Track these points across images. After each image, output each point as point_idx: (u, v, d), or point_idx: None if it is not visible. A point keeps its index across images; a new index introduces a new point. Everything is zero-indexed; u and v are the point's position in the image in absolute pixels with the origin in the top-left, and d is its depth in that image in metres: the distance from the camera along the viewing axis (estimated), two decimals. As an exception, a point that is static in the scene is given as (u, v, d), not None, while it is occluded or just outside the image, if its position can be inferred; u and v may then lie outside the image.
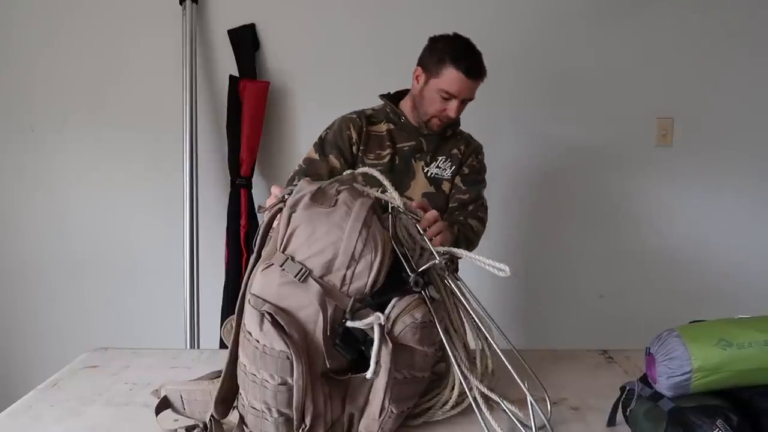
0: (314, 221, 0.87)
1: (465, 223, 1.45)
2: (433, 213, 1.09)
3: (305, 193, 0.90)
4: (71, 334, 2.35)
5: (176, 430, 0.94)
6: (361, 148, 1.50)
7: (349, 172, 1.03)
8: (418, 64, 1.51)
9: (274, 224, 0.93)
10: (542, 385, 0.98)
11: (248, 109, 2.16)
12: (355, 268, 0.85)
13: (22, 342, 2.40)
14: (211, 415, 0.90)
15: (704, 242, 2.28)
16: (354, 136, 1.51)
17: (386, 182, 0.97)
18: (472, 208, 1.51)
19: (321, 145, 1.54)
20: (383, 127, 1.54)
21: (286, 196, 0.92)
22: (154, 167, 2.27)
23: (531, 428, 0.90)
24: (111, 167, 2.29)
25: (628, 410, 0.93)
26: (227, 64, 2.22)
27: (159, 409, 0.96)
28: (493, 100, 2.19)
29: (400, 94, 1.59)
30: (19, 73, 2.27)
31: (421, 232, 0.96)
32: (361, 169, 1.02)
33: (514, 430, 0.92)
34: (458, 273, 1.60)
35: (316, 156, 1.53)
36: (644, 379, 0.93)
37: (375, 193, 0.95)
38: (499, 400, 0.93)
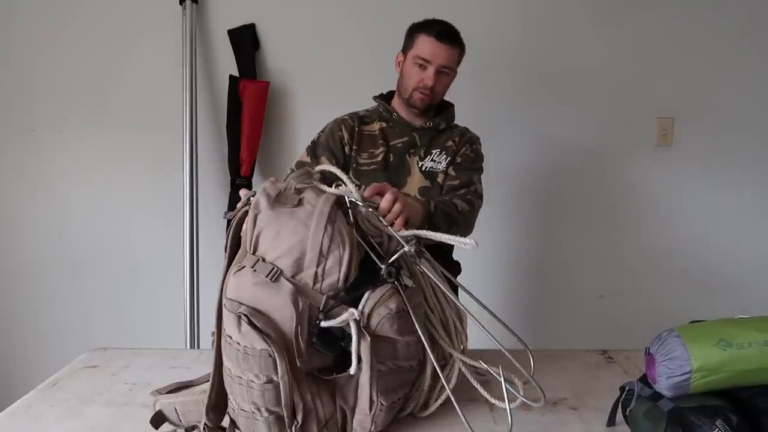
0: (279, 221, 0.87)
1: (447, 201, 1.38)
2: (387, 198, 1.03)
3: (268, 193, 0.90)
4: (71, 334, 2.35)
5: (175, 430, 0.94)
6: (354, 148, 1.51)
7: (305, 167, 1.01)
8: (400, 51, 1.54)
9: (244, 227, 0.93)
10: (521, 340, 0.97)
11: (248, 109, 2.16)
12: (325, 265, 0.85)
13: (22, 342, 2.40)
14: (205, 424, 0.90)
15: (704, 242, 2.28)
16: (345, 136, 1.51)
17: (342, 175, 0.96)
18: (462, 192, 1.45)
19: (313, 148, 1.54)
20: (376, 127, 1.54)
21: (251, 198, 0.92)
22: (154, 167, 2.27)
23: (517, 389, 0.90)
24: (111, 167, 2.29)
25: (628, 410, 0.93)
26: (227, 64, 2.22)
27: (156, 424, 0.95)
28: (493, 100, 2.19)
29: (393, 94, 1.59)
30: (19, 73, 2.27)
31: (382, 220, 0.95)
32: (319, 166, 1.00)
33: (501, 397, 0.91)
34: (458, 263, 1.61)
35: (308, 159, 1.53)
36: (644, 379, 0.93)
37: (331, 189, 0.94)
38: (484, 366, 0.94)
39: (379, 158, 1.49)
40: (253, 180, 2.21)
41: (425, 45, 1.44)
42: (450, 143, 1.53)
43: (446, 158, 1.52)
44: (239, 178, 2.19)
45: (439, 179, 1.51)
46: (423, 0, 2.18)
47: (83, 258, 2.34)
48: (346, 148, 1.51)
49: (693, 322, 0.94)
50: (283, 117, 2.26)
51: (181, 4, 2.18)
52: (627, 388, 0.94)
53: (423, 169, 1.50)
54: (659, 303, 2.28)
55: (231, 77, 2.18)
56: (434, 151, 1.52)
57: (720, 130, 2.23)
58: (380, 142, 1.51)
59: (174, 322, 2.20)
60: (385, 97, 1.59)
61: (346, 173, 1.48)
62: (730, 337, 0.84)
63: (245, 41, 2.20)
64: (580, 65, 2.23)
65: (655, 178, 2.27)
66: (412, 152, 1.51)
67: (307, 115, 2.25)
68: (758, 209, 2.26)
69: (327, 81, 2.22)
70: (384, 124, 1.54)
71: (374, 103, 1.59)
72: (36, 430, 0.98)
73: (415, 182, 1.50)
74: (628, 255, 2.31)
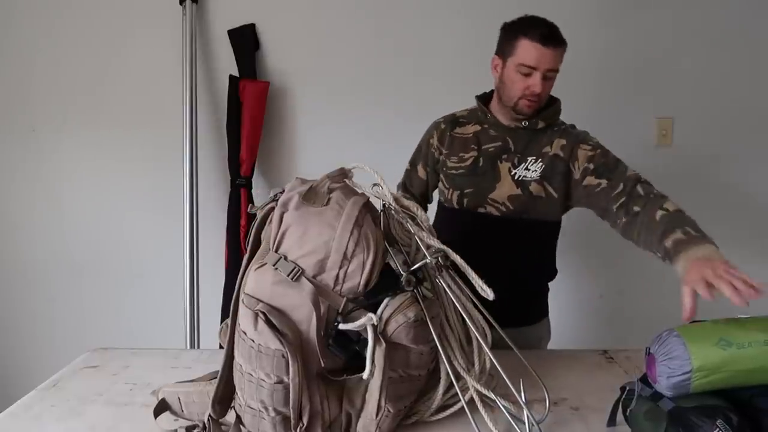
0: (306, 221, 0.87)
1: (684, 216, 1.20)
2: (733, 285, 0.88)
3: (297, 192, 0.90)
4: (71, 334, 2.35)
5: (176, 430, 0.94)
6: (444, 152, 1.48)
7: (341, 167, 1.01)
8: (494, 54, 1.44)
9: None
10: (542, 383, 0.98)
11: (248, 109, 2.16)
12: (347, 268, 0.85)
13: (22, 342, 2.40)
14: (209, 416, 0.90)
15: (704, 242, 2.28)
16: (435, 142, 1.50)
17: (379, 178, 0.96)
18: (643, 188, 1.30)
19: (414, 155, 1.57)
20: (470, 129, 1.48)
21: (278, 195, 0.92)
22: (154, 167, 2.27)
23: (525, 427, 0.90)
24: (111, 167, 2.29)
25: (629, 410, 0.93)
26: (227, 64, 2.22)
27: (157, 412, 0.96)
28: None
29: (493, 93, 1.51)
30: (19, 73, 2.26)
31: (413, 227, 0.95)
32: (353, 164, 1.01)
33: (509, 430, 0.92)
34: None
35: (409, 167, 1.58)
36: (644, 379, 0.93)
37: (368, 190, 0.95)
38: (494, 397, 0.93)
39: (468, 162, 1.44)
40: (253, 180, 2.21)
41: (529, 51, 1.33)
42: (547, 149, 1.42)
43: (541, 166, 1.41)
44: (239, 178, 2.19)
45: (532, 188, 1.41)
46: (423, 1, 2.20)
47: (83, 258, 2.34)
48: (436, 153, 1.50)
49: (693, 322, 0.94)
50: (283, 117, 2.26)
51: (181, 4, 2.18)
52: (627, 388, 0.94)
53: (515, 177, 1.42)
54: (659, 303, 2.27)
55: (231, 77, 2.18)
56: (529, 159, 1.42)
57: (720, 130, 2.23)
58: (472, 146, 1.45)
59: (174, 322, 2.20)
60: (485, 98, 1.51)
61: (437, 178, 1.49)
62: (730, 337, 0.84)
63: (245, 41, 2.20)
64: (579, 65, 2.21)
65: (655, 178, 2.26)
66: (505, 158, 1.43)
67: (307, 115, 2.25)
68: (759, 209, 2.26)
69: (327, 81, 2.22)
70: (479, 127, 1.47)
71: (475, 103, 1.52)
72: (36, 430, 0.98)
73: (504, 189, 1.42)
74: (629, 255, 2.29)
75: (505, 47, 1.39)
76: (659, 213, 1.20)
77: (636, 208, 1.25)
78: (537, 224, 1.47)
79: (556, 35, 1.36)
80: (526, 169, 1.41)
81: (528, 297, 1.56)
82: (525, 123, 1.42)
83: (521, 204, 1.42)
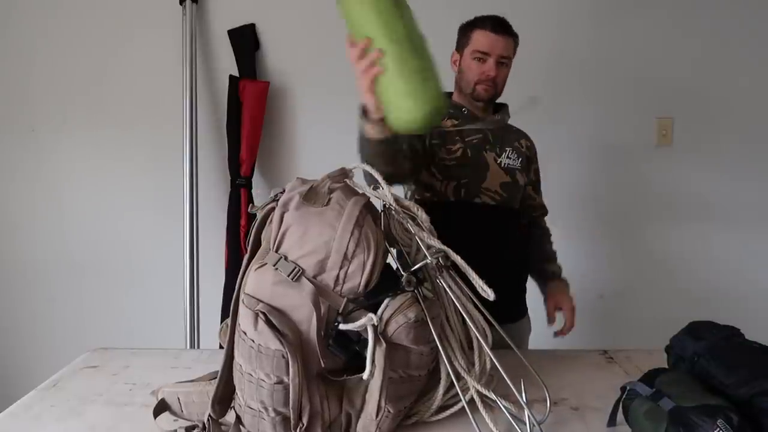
0: (306, 221, 0.87)
1: (552, 249, 1.69)
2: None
3: (297, 192, 0.90)
4: (71, 334, 2.35)
5: (176, 430, 0.94)
6: (434, 141, 1.47)
7: (341, 167, 1.00)
8: (454, 51, 1.54)
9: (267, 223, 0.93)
10: (543, 383, 0.98)
11: (248, 109, 2.16)
12: (348, 268, 0.84)
13: (22, 342, 2.40)
14: (209, 416, 0.90)
15: (704, 242, 2.28)
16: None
17: (380, 179, 0.96)
18: (541, 213, 1.69)
19: None
20: (448, 123, 1.51)
21: (278, 195, 0.92)
22: (154, 167, 2.27)
23: (526, 427, 0.90)
24: (111, 167, 2.29)
25: (629, 410, 0.93)
26: (227, 64, 2.22)
27: (157, 412, 0.96)
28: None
29: (450, 94, 1.56)
30: (19, 73, 2.27)
31: (413, 228, 0.95)
32: (353, 164, 1.00)
33: (510, 431, 0.92)
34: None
35: None
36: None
37: (367, 191, 0.95)
38: (495, 398, 0.93)
39: (458, 153, 1.47)
40: (253, 180, 2.21)
41: (482, 39, 1.46)
42: (517, 144, 1.55)
43: (519, 159, 1.53)
44: (239, 178, 2.19)
45: (518, 177, 1.51)
46: (422, 0, 2.20)
47: (83, 258, 2.34)
48: (427, 139, 1.48)
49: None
50: (283, 117, 2.26)
51: (181, 4, 2.18)
52: (628, 388, 0.94)
53: (501, 165, 1.49)
54: (659, 303, 2.28)
55: (231, 77, 2.18)
56: (507, 149, 1.52)
57: (720, 130, 2.23)
58: (456, 137, 1.49)
59: (174, 322, 2.20)
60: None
61: (426, 161, 1.48)
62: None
63: (245, 41, 2.20)
64: (579, 65, 2.22)
65: (655, 178, 2.27)
66: (488, 148, 1.50)
67: (307, 115, 2.25)
68: (759, 209, 2.26)
69: (327, 81, 2.22)
70: (455, 121, 1.51)
71: None
72: (36, 430, 0.98)
73: (495, 178, 1.48)
74: (628, 255, 2.31)
75: (461, 41, 1.52)
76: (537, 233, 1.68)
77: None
78: (519, 214, 1.57)
79: (505, 26, 1.50)
80: (508, 158, 1.52)
81: (521, 290, 1.60)
82: (497, 116, 1.54)
83: (512, 191, 1.49)
